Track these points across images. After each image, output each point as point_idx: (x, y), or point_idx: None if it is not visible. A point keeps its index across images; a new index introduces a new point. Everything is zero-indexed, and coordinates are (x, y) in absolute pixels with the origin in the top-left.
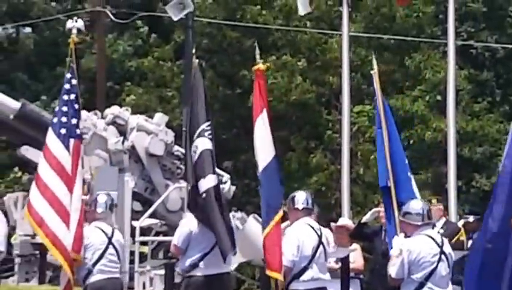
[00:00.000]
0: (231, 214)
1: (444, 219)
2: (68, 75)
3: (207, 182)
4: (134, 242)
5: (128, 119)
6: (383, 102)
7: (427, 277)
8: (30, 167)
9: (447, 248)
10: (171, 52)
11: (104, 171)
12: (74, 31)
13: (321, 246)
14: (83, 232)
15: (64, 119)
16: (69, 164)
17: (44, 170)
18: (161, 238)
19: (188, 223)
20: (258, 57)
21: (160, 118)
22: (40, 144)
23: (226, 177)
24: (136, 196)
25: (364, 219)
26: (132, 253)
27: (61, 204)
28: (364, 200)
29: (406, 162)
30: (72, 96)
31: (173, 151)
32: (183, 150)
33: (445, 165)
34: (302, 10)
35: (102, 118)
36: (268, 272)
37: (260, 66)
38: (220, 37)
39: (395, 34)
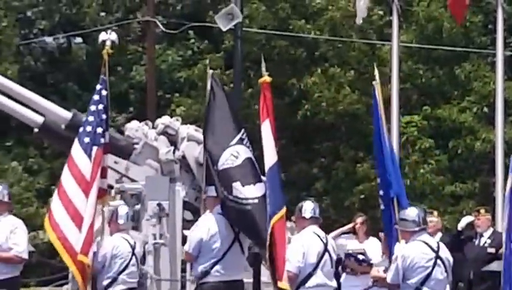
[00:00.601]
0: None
1: (491, 229)
2: (98, 86)
3: (256, 190)
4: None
5: (178, 129)
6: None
7: (423, 282)
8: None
9: (443, 253)
10: (221, 61)
11: (156, 181)
12: (108, 43)
13: (327, 254)
14: (93, 237)
15: (89, 128)
16: (90, 172)
17: (66, 178)
18: None
19: (200, 230)
20: (264, 69)
21: None
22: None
23: None
24: (186, 205)
25: (460, 226)
26: (184, 261)
27: (77, 211)
28: None
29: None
30: (101, 106)
31: None
32: None
33: (493, 175)
34: (359, 19)
35: (153, 128)
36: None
37: (266, 78)
38: (269, 47)
39: (444, 44)
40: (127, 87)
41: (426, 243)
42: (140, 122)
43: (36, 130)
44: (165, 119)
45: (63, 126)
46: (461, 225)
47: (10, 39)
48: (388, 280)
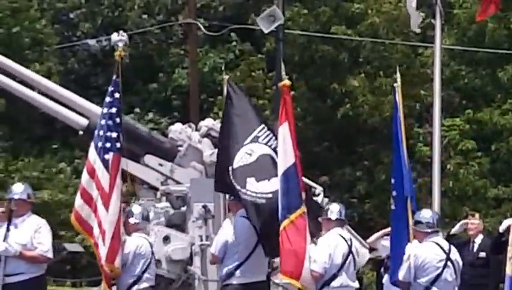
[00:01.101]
0: None
1: None
2: (110, 88)
3: (271, 186)
4: None
5: None
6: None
7: (432, 282)
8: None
9: (454, 255)
10: (263, 63)
11: (200, 183)
12: (120, 44)
13: (351, 256)
14: (118, 244)
15: (101, 132)
16: (105, 179)
17: (87, 182)
18: None
19: (225, 232)
20: (283, 73)
21: None
22: (134, 156)
23: (318, 189)
24: None
25: (453, 230)
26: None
27: (99, 217)
28: (453, 213)
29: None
30: (114, 109)
31: None
32: None
33: None
34: (414, 26)
35: (197, 130)
36: (288, 279)
37: (286, 82)
38: (311, 50)
39: (486, 47)
40: (170, 91)
41: (438, 245)
42: (183, 124)
43: (81, 132)
44: (208, 122)
45: None
46: (502, 227)
47: (50, 38)
48: (400, 278)
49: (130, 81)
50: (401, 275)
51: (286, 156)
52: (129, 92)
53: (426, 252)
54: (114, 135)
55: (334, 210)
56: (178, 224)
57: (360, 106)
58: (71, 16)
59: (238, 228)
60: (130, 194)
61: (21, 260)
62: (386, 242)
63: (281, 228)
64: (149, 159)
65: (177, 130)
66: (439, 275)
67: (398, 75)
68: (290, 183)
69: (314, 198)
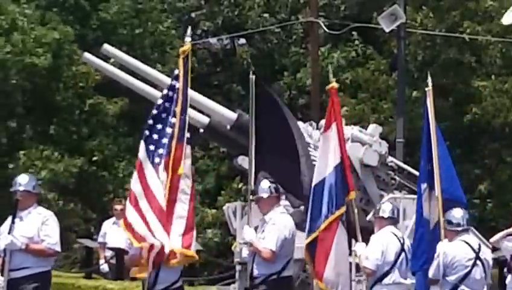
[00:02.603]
0: None
1: None
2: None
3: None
4: (351, 251)
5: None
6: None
7: (461, 280)
8: (246, 177)
9: (484, 254)
10: (386, 64)
11: None
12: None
13: (403, 253)
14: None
15: (155, 136)
16: (154, 182)
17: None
18: None
19: (284, 230)
20: (331, 76)
21: (374, 129)
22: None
23: None
24: None
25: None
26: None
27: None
28: None
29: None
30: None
31: (387, 162)
32: (397, 161)
33: None
34: (506, 19)
35: (318, 129)
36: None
37: (334, 85)
38: (434, 49)
39: None
40: (295, 90)
41: (468, 243)
42: (304, 123)
43: (201, 130)
44: None
45: (228, 127)
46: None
47: (174, 40)
48: (429, 275)
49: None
50: (431, 272)
51: (335, 155)
52: (249, 91)
53: (455, 251)
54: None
55: (386, 209)
56: (297, 223)
57: (485, 106)
58: (192, 15)
59: (290, 224)
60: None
61: (27, 253)
62: (510, 243)
63: (321, 228)
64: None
65: None
66: (468, 274)
67: (429, 78)
68: (337, 180)
69: None
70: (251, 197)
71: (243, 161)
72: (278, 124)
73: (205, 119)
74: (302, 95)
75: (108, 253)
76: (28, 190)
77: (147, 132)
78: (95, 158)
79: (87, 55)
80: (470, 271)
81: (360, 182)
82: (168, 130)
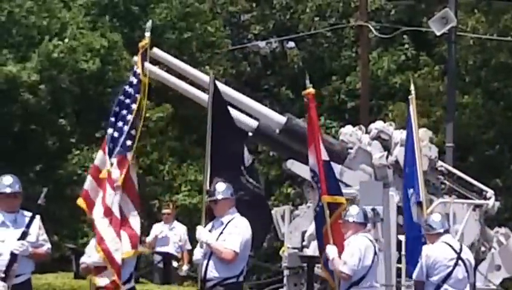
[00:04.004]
0: (495, 230)
1: None
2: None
3: None
4: (400, 256)
5: (392, 134)
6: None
7: (444, 280)
8: (296, 181)
9: (466, 254)
10: (439, 70)
11: (369, 186)
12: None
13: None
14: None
15: (116, 134)
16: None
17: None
18: None
19: (247, 234)
20: (307, 82)
21: (423, 133)
22: (304, 158)
23: (490, 193)
24: (400, 211)
25: None
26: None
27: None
28: None
29: None
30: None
31: (437, 166)
32: (446, 166)
33: None
34: None
35: (367, 132)
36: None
37: (310, 90)
38: (485, 53)
39: None
40: (344, 94)
41: (449, 245)
42: (353, 127)
43: (250, 134)
44: (378, 124)
45: (277, 130)
46: None
47: (222, 42)
48: (413, 277)
49: (300, 84)
50: (415, 274)
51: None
52: (299, 94)
53: (437, 252)
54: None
55: (353, 212)
56: None
57: None
58: (242, 18)
59: (249, 227)
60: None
61: (28, 259)
62: None
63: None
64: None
65: (348, 132)
66: (450, 273)
67: (412, 86)
68: (331, 173)
69: (486, 201)
70: (206, 198)
71: (292, 165)
72: (228, 129)
73: (254, 123)
74: (351, 99)
75: (157, 258)
76: (17, 191)
77: (110, 130)
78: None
79: (136, 59)
80: (452, 271)
81: None
82: (125, 128)
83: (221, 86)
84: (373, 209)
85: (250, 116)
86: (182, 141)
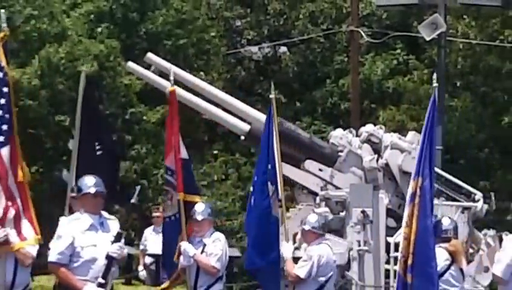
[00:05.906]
0: (483, 232)
1: None
2: None
3: None
4: (389, 258)
5: (382, 137)
6: None
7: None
8: (287, 184)
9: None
10: (429, 74)
11: (360, 189)
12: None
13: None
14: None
15: None
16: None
17: None
18: None
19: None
20: (172, 78)
21: (413, 136)
22: (295, 161)
23: (478, 195)
24: (390, 213)
25: None
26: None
27: None
28: None
29: None
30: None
31: None
32: (436, 169)
33: None
34: None
35: (357, 136)
36: None
37: (171, 88)
38: (474, 58)
39: None
40: (337, 97)
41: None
42: (344, 130)
43: (242, 137)
44: (368, 128)
45: None
46: None
47: (218, 49)
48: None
49: (293, 88)
50: None
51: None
52: (291, 98)
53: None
54: (5, 127)
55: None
56: (336, 229)
57: None
58: (237, 24)
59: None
60: (290, 200)
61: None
62: None
63: None
64: (309, 164)
65: (338, 135)
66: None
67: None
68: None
69: (474, 204)
70: (72, 194)
71: (282, 168)
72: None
73: (246, 127)
74: (344, 102)
75: (148, 259)
76: (104, 191)
77: None
78: (134, 166)
79: (131, 64)
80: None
81: (399, 188)
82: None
83: (215, 90)
84: (363, 212)
85: (243, 120)
86: None
